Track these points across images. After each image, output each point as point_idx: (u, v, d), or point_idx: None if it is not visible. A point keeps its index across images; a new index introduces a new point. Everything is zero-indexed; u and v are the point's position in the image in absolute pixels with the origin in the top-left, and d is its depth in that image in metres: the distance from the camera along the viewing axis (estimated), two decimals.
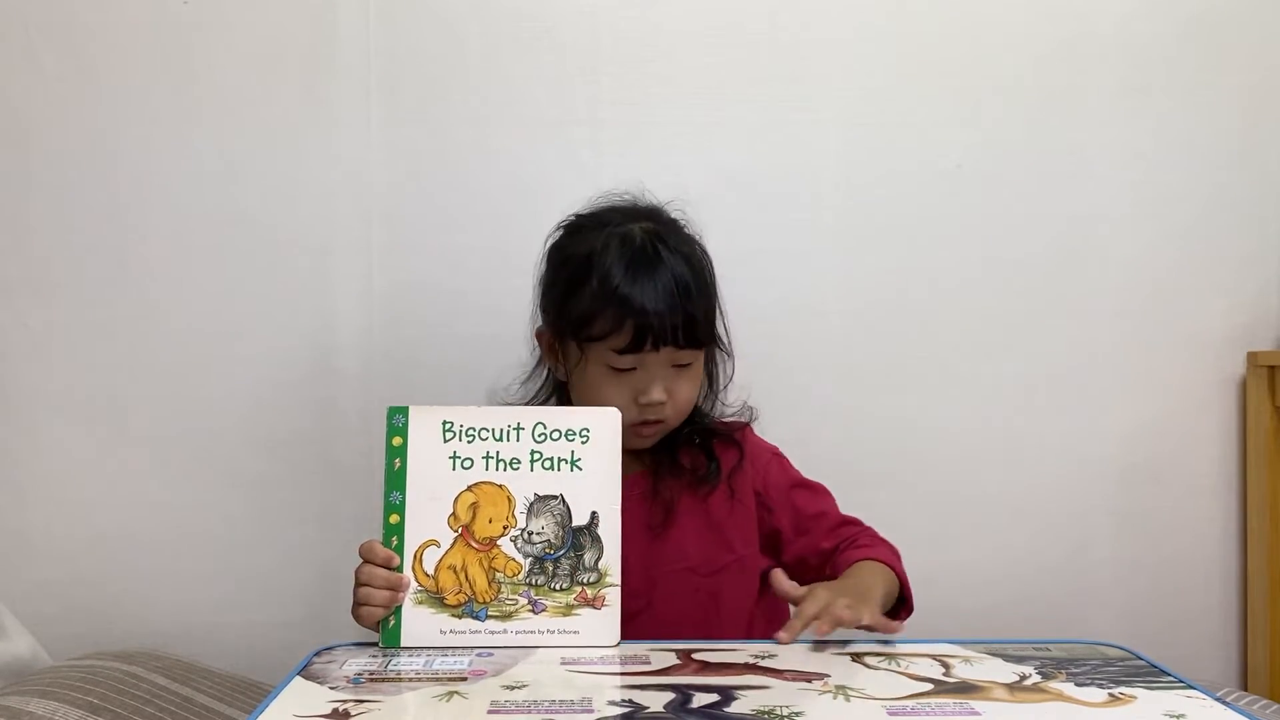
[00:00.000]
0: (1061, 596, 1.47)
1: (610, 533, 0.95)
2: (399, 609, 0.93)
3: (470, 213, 1.39)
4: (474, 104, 1.38)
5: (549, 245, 1.14)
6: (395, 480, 0.95)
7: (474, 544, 0.94)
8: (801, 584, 1.00)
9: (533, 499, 0.95)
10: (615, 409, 0.99)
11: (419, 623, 0.93)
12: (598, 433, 0.97)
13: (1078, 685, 0.84)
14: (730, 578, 1.11)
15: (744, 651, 0.92)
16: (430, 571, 0.94)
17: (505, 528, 0.95)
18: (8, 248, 1.35)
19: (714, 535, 1.11)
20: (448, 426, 0.96)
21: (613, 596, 0.94)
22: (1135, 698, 0.81)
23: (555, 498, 0.95)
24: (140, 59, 1.35)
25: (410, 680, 0.84)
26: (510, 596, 0.94)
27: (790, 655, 0.91)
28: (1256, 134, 1.47)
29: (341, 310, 1.38)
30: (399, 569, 0.94)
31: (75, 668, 1.14)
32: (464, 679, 0.84)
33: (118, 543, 1.37)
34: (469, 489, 0.95)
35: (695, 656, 0.90)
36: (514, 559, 0.94)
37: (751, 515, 1.13)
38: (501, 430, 0.96)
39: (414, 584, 0.94)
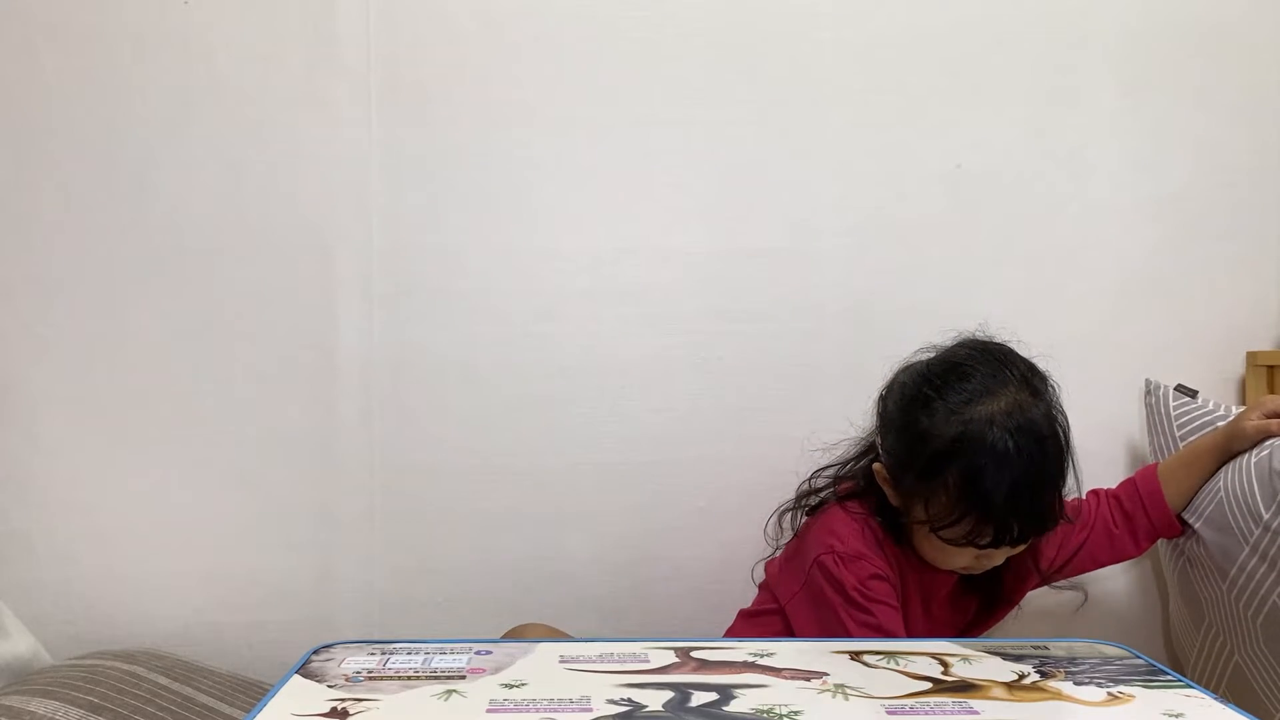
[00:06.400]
0: (1058, 595, 1.46)
1: None
2: None
3: (470, 213, 1.39)
4: (474, 104, 1.38)
5: (903, 399, 1.11)
6: None
7: None
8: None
9: None
10: None
11: None
12: None
13: (1076, 684, 0.84)
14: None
15: (742, 650, 0.92)
16: None
17: None
18: (9, 249, 1.35)
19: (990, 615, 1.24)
20: None
21: None
22: (1134, 697, 0.81)
23: None
24: (140, 59, 1.35)
25: (409, 678, 0.84)
26: None
27: (789, 654, 0.91)
28: (1256, 134, 1.47)
29: (341, 310, 1.38)
30: None
31: (76, 667, 1.14)
32: (463, 677, 0.84)
33: (118, 543, 1.36)
34: None
35: (694, 655, 0.90)
36: None
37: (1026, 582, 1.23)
38: None
39: None
